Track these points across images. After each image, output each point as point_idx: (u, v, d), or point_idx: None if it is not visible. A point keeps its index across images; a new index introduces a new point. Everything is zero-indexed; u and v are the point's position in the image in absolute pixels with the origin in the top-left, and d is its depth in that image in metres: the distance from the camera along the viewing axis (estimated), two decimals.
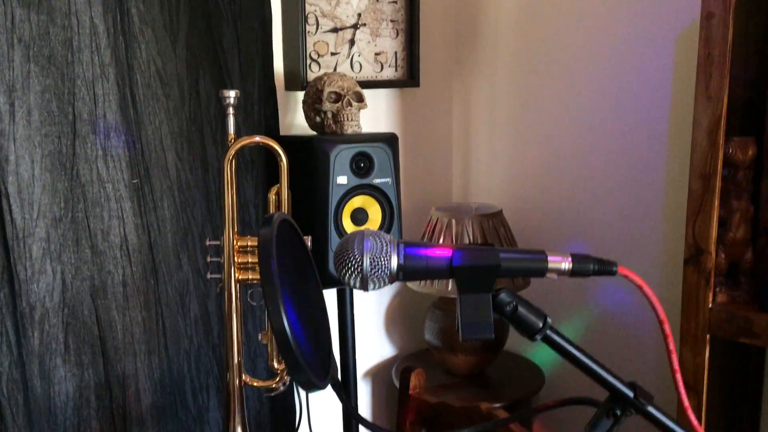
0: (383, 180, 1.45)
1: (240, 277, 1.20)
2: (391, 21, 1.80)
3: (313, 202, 1.40)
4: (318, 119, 1.48)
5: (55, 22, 1.25)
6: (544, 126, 1.87)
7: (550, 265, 0.69)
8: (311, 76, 1.62)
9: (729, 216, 1.28)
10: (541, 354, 1.90)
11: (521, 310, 0.70)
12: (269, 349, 1.30)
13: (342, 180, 1.41)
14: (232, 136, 1.22)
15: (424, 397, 1.30)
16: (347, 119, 1.45)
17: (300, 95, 1.60)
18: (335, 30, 1.70)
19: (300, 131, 1.64)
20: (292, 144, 1.38)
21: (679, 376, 0.72)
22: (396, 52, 1.83)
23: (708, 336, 1.28)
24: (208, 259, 1.21)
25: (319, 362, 0.72)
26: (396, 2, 1.80)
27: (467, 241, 1.68)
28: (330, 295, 1.52)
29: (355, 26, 1.74)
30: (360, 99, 1.49)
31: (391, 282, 0.69)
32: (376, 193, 1.45)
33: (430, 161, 2.04)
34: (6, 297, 1.24)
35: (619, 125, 1.70)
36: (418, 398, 1.30)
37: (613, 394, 0.71)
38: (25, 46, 1.23)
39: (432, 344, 1.82)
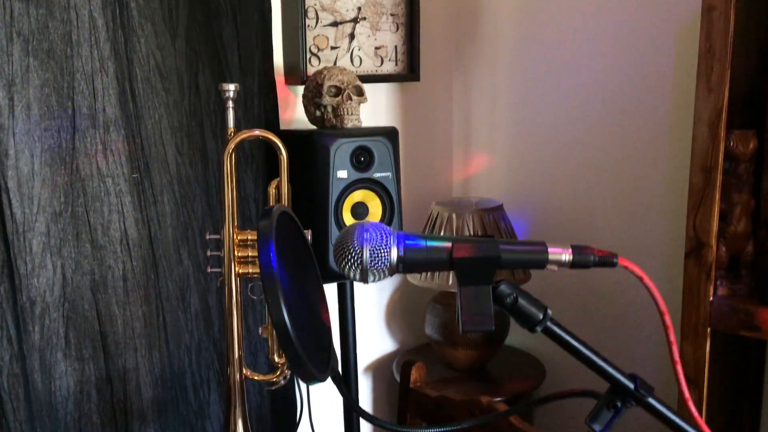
0: (383, 174, 1.45)
1: (240, 271, 1.20)
2: (391, 15, 1.80)
3: (313, 196, 1.40)
4: (318, 113, 1.48)
5: (54, 15, 1.25)
6: (545, 120, 1.86)
7: (551, 257, 0.69)
8: (311, 70, 1.62)
9: (730, 209, 1.28)
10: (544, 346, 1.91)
11: (521, 301, 0.69)
12: (270, 342, 1.30)
13: (342, 174, 1.40)
14: (232, 129, 1.21)
15: (424, 391, 1.30)
16: (347, 113, 1.45)
17: (300, 89, 1.60)
18: (335, 24, 1.70)
19: (300, 125, 1.64)
20: (292, 138, 1.37)
21: (679, 367, 0.72)
22: (396, 46, 1.82)
23: (709, 329, 1.28)
24: (208, 253, 1.21)
25: (319, 355, 0.72)
26: None
27: (468, 235, 1.68)
28: (330, 290, 1.52)
29: (355, 20, 1.73)
30: (360, 93, 1.48)
31: (391, 274, 0.69)
32: (377, 187, 1.45)
33: (431, 156, 2.04)
34: (6, 291, 1.24)
35: (620, 119, 1.70)
36: (418, 392, 1.30)
37: (614, 386, 0.71)
38: (24, 40, 1.22)
39: (433, 339, 1.82)
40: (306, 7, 1.61)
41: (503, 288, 0.69)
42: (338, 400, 1.65)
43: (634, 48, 1.65)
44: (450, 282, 1.71)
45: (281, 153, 1.24)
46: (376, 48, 1.79)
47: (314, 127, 1.51)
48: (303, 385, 1.60)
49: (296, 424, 1.62)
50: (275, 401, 1.61)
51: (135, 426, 1.40)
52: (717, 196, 1.25)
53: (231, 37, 1.46)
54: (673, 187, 1.60)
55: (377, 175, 1.44)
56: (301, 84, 1.59)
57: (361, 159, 1.43)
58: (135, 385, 1.40)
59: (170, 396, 1.45)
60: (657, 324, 1.57)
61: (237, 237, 1.19)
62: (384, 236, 0.68)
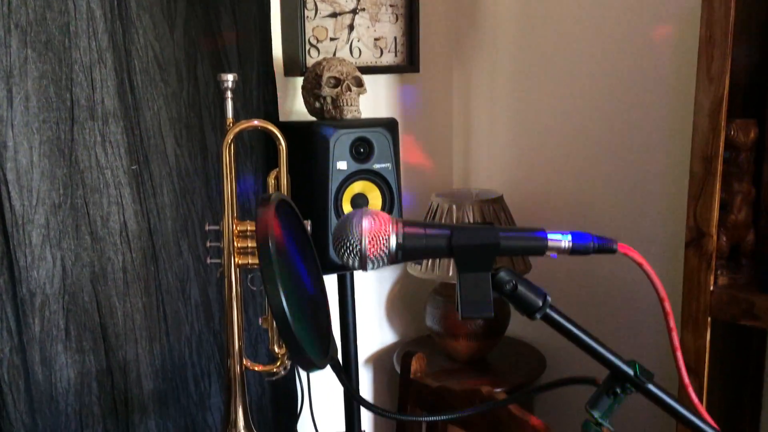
0: (383, 165, 1.45)
1: (240, 261, 1.20)
2: (391, 6, 1.79)
3: (312, 187, 1.40)
4: (317, 105, 1.48)
5: (52, 7, 1.24)
6: (545, 110, 1.86)
7: (550, 243, 0.69)
8: (310, 61, 1.62)
9: (730, 198, 1.28)
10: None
11: (521, 288, 0.69)
12: (270, 333, 1.31)
13: (342, 165, 1.40)
14: (231, 120, 1.21)
15: (425, 381, 1.30)
16: (347, 104, 1.44)
17: (299, 81, 1.59)
18: (334, 15, 1.69)
19: (300, 117, 1.64)
20: (291, 129, 1.37)
21: (679, 354, 0.72)
22: (395, 37, 1.82)
23: (709, 318, 1.28)
24: (208, 244, 1.21)
25: (318, 342, 0.72)
26: None
27: None
28: (331, 281, 1.52)
29: (354, 11, 1.73)
30: (359, 84, 1.48)
31: (390, 262, 0.69)
32: (376, 178, 1.45)
33: (431, 147, 2.03)
34: (6, 283, 1.24)
35: (620, 108, 1.70)
36: (419, 382, 1.31)
37: (614, 373, 0.71)
38: (22, 31, 1.22)
39: (433, 330, 1.82)
40: None
41: (503, 275, 0.69)
42: (339, 391, 1.65)
43: (634, 38, 1.64)
44: (450, 273, 1.71)
45: (280, 143, 1.24)
46: (376, 39, 1.78)
47: (314, 119, 1.51)
48: (304, 377, 1.60)
49: (297, 416, 1.62)
50: (276, 392, 1.62)
51: (136, 417, 1.41)
52: (717, 186, 1.25)
53: (230, 29, 1.45)
54: (673, 177, 1.60)
55: (377, 166, 1.44)
56: (300, 75, 1.58)
57: (361, 150, 1.42)
58: (135, 376, 1.40)
59: (171, 387, 1.45)
60: (657, 312, 1.57)
61: (236, 228, 1.19)
62: (383, 223, 0.68)
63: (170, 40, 1.38)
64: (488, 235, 0.68)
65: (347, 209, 1.43)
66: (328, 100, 1.45)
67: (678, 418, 0.70)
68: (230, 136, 1.19)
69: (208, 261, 1.21)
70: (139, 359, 1.40)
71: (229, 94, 1.21)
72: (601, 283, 1.78)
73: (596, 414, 0.71)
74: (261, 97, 1.53)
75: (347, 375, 1.56)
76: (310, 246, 0.87)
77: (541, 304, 0.69)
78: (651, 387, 0.70)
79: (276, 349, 1.29)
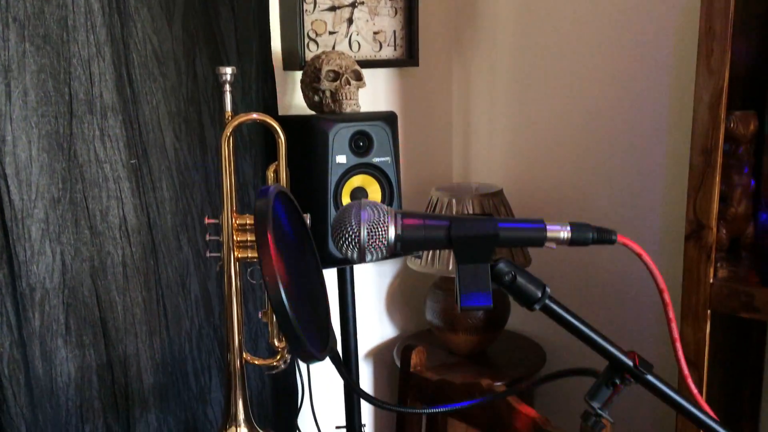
0: (382, 159, 1.44)
1: (239, 255, 1.19)
2: None
3: (312, 181, 1.40)
4: (316, 98, 1.47)
5: (50, 0, 1.24)
6: (545, 104, 1.86)
7: (549, 234, 0.69)
8: (309, 55, 1.61)
9: (730, 191, 1.28)
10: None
11: (520, 279, 0.69)
12: (270, 327, 1.30)
13: (341, 159, 1.40)
14: (229, 113, 1.21)
15: (425, 375, 1.30)
16: (346, 98, 1.44)
17: (298, 75, 1.59)
18: (333, 8, 1.69)
19: (299, 111, 1.63)
20: (290, 123, 1.37)
21: (678, 345, 0.72)
22: (395, 31, 1.81)
23: (709, 311, 1.28)
24: (207, 238, 1.21)
25: (317, 334, 0.72)
26: None
27: None
28: (330, 276, 1.52)
29: (353, 5, 1.72)
30: (358, 77, 1.48)
31: (388, 253, 0.69)
32: (376, 172, 1.45)
33: (430, 141, 2.03)
34: (5, 278, 1.24)
35: (620, 101, 1.69)
36: (419, 376, 1.31)
37: (613, 363, 0.71)
38: (20, 25, 1.22)
39: (433, 324, 1.82)
40: None
41: (502, 266, 0.69)
42: (339, 385, 1.66)
43: (634, 30, 1.64)
44: (450, 267, 1.71)
45: (279, 137, 1.24)
46: (375, 33, 1.78)
47: (313, 113, 1.51)
48: (304, 371, 1.60)
49: (297, 410, 1.63)
50: (276, 387, 1.62)
51: (136, 412, 1.41)
52: (717, 178, 1.25)
53: (228, 22, 1.45)
54: (673, 170, 1.60)
55: (376, 159, 1.44)
56: (299, 69, 1.58)
57: (360, 144, 1.42)
58: (136, 371, 1.40)
59: (171, 382, 1.45)
60: (656, 305, 1.57)
61: (236, 221, 1.19)
62: (382, 214, 0.68)
63: (169, 34, 1.38)
64: (487, 226, 0.68)
65: (346, 203, 1.43)
66: (327, 93, 1.45)
67: (677, 409, 0.70)
68: (229, 129, 1.19)
69: (208, 254, 1.21)
70: (139, 353, 1.40)
71: (227, 87, 1.20)
72: (601, 275, 1.78)
73: (596, 405, 0.71)
74: (260, 91, 1.52)
75: (347, 368, 1.56)
76: (309, 239, 0.86)
77: (540, 295, 0.69)
78: (650, 378, 0.70)
79: (276, 343, 1.29)
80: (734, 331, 1.44)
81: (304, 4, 1.61)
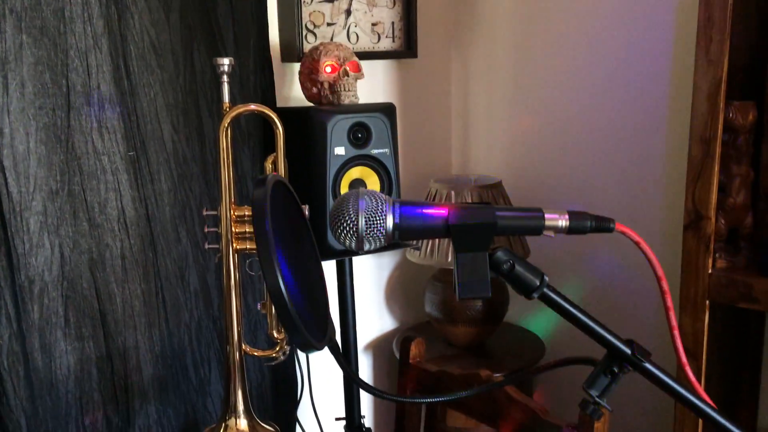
0: (381, 150, 1.44)
1: (238, 247, 1.19)
2: None
3: (310, 173, 1.40)
4: (315, 90, 1.47)
5: None
6: (543, 96, 1.85)
7: (547, 223, 0.69)
8: (307, 47, 1.61)
9: (729, 181, 1.28)
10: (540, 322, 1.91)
11: (518, 268, 0.69)
12: (269, 319, 1.31)
13: (339, 151, 1.40)
14: (227, 104, 1.21)
15: (424, 366, 1.30)
16: (344, 89, 1.44)
17: (296, 67, 1.58)
18: (331, 0, 1.68)
19: (297, 103, 1.63)
20: (288, 115, 1.36)
21: (676, 332, 0.72)
22: (393, 23, 1.81)
23: (707, 301, 1.28)
24: (206, 230, 1.21)
25: (316, 323, 0.72)
26: None
27: None
28: (329, 268, 1.52)
29: None
30: (357, 69, 1.47)
31: (387, 242, 0.69)
32: (374, 163, 1.44)
33: (429, 133, 2.03)
34: (4, 270, 1.24)
35: (619, 92, 1.69)
36: (418, 367, 1.31)
37: (611, 352, 0.71)
38: (17, 17, 1.21)
39: (433, 316, 1.82)
40: None
41: (500, 254, 0.69)
42: (338, 377, 1.66)
43: (633, 20, 1.63)
44: (449, 259, 1.71)
45: (277, 127, 1.23)
46: (373, 24, 1.77)
47: (311, 104, 1.50)
48: (303, 363, 1.61)
49: (297, 401, 1.63)
50: (276, 378, 1.62)
51: (136, 404, 1.41)
52: (716, 168, 1.25)
53: (226, 14, 1.44)
54: (672, 160, 1.59)
55: (375, 151, 1.43)
56: (297, 61, 1.58)
57: (359, 135, 1.42)
58: (135, 363, 1.40)
59: (171, 374, 1.45)
60: (654, 295, 1.57)
61: (234, 213, 1.19)
62: (379, 203, 0.68)
63: (166, 25, 1.37)
64: (485, 214, 0.68)
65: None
66: (326, 85, 1.44)
67: (675, 397, 0.70)
68: (227, 120, 1.18)
69: (206, 246, 1.21)
70: (138, 346, 1.41)
71: (225, 78, 1.20)
72: (599, 266, 1.78)
73: (594, 393, 0.71)
74: (258, 83, 1.52)
75: (346, 359, 1.56)
76: (307, 229, 0.86)
77: (538, 283, 0.69)
78: (648, 366, 0.70)
79: (275, 334, 1.29)
80: (733, 322, 1.45)
81: None
